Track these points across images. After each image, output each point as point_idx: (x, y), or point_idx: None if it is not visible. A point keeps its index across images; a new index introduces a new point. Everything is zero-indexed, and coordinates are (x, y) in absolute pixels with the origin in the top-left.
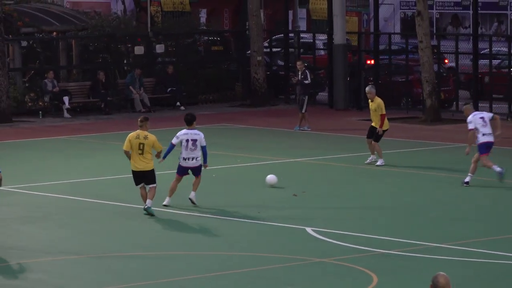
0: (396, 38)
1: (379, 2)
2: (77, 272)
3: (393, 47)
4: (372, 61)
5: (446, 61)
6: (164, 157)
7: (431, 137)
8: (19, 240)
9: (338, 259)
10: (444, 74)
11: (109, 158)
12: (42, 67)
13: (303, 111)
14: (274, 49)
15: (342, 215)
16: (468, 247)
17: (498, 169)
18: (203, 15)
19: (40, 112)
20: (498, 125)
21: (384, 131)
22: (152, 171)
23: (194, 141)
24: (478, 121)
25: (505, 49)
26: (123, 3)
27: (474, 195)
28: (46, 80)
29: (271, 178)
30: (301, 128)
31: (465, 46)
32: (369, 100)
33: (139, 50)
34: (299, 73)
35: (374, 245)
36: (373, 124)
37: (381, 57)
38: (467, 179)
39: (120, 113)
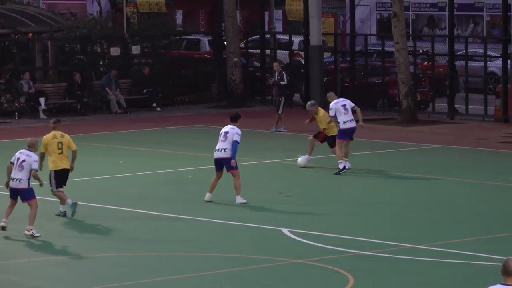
0: (372, 39)
1: (355, 4)
2: (56, 274)
3: (369, 48)
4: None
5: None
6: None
7: (407, 138)
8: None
9: (314, 260)
10: (420, 75)
11: (84, 160)
12: (18, 68)
13: (280, 112)
14: (250, 50)
15: (318, 216)
16: (446, 248)
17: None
18: (179, 16)
19: (16, 113)
20: (359, 116)
21: (332, 136)
22: (68, 171)
23: (226, 132)
24: (340, 108)
25: (481, 51)
26: (99, 4)
27: (453, 196)
28: (22, 81)
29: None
30: (277, 129)
31: (442, 47)
32: (315, 115)
33: (115, 51)
34: (276, 74)
35: (351, 246)
36: (326, 133)
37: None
38: (341, 166)
39: (96, 114)
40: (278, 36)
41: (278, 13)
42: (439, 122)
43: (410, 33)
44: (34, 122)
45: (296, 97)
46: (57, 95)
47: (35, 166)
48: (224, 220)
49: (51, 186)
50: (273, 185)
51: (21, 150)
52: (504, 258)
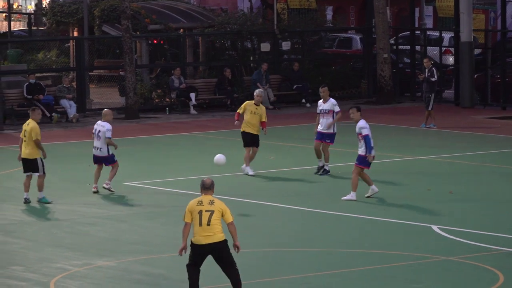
0: None
1: (506, 0)
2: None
3: None
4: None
5: None
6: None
7: None
8: (143, 235)
9: (463, 257)
10: None
11: (234, 155)
12: (169, 64)
13: (429, 108)
14: (400, 47)
15: (468, 213)
16: None
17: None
18: (329, 12)
19: (167, 108)
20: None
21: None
22: (35, 160)
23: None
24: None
25: None
26: (250, 0)
27: None
28: (173, 77)
29: (218, 158)
30: (427, 126)
31: None
32: (254, 103)
33: (265, 47)
34: (426, 71)
35: (501, 244)
36: (249, 130)
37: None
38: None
39: None
40: (428, 33)
41: (428, 9)
42: None
43: None
44: (184, 117)
45: (446, 93)
46: (207, 91)
47: (108, 134)
48: (372, 216)
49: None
50: (421, 181)
51: (98, 122)
52: None
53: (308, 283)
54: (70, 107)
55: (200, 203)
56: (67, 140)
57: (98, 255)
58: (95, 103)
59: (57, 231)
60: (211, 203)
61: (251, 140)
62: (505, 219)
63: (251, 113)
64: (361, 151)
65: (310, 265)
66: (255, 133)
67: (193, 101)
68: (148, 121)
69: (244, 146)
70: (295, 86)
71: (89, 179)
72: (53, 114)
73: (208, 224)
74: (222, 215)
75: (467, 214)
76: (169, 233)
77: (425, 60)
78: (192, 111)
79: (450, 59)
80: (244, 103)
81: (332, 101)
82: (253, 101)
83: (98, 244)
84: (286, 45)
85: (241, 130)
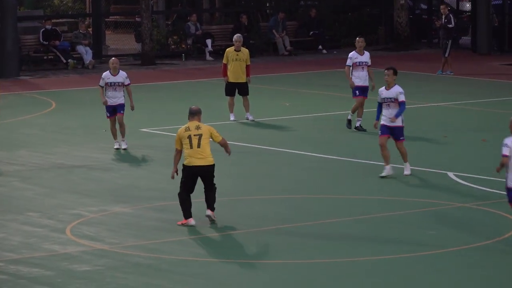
0: None
1: None
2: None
3: None
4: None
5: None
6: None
7: None
8: (159, 182)
9: (479, 204)
10: None
11: (252, 101)
12: (185, 10)
13: (446, 55)
14: None
15: (484, 160)
16: None
17: None
18: None
19: (183, 54)
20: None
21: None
22: None
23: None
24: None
25: None
26: None
27: None
28: (189, 23)
29: None
30: (443, 73)
31: None
32: (235, 50)
33: None
34: (443, 17)
35: None
36: (234, 80)
37: None
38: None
39: (263, 56)
40: None
41: None
42: None
43: None
44: (201, 64)
45: (464, 39)
46: (223, 37)
47: (127, 82)
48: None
49: None
50: (437, 128)
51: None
52: None
53: (326, 229)
54: (86, 53)
55: (188, 129)
56: (83, 86)
57: (114, 202)
58: (111, 49)
59: (74, 177)
60: (198, 128)
61: (235, 90)
62: None
63: (233, 60)
64: (399, 121)
65: (328, 212)
66: (241, 81)
67: (209, 47)
68: (164, 67)
69: (226, 94)
70: (311, 33)
71: (105, 125)
72: (69, 60)
73: (199, 146)
74: (211, 136)
75: (482, 161)
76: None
77: (442, 7)
78: (208, 57)
79: (467, 5)
80: (226, 52)
81: (398, 88)
82: (233, 48)
83: (114, 190)
84: None
85: (228, 81)
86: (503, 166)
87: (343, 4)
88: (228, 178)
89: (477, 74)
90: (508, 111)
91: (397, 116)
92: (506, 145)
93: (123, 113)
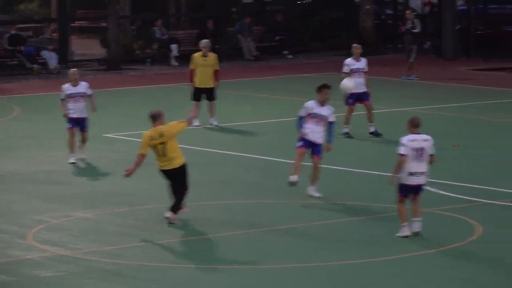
0: None
1: None
2: (190, 217)
3: None
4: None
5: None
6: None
7: None
8: (125, 187)
9: (443, 209)
10: None
11: (217, 106)
12: (151, 15)
13: (411, 60)
14: None
15: (448, 166)
16: None
17: None
18: None
19: (149, 59)
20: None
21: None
22: None
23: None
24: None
25: None
26: None
27: None
28: (154, 28)
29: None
30: (408, 77)
31: None
32: (202, 55)
33: None
34: (408, 22)
35: (481, 195)
36: (202, 85)
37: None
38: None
39: (229, 61)
40: None
41: None
42: None
43: None
44: (166, 69)
45: (428, 45)
46: (189, 42)
47: (89, 92)
48: (354, 168)
49: None
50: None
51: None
52: None
53: (293, 233)
54: (51, 58)
55: (152, 138)
56: (48, 91)
57: (77, 207)
58: (77, 54)
59: (37, 183)
60: (161, 135)
61: (202, 95)
62: (485, 171)
63: (201, 66)
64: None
65: (295, 216)
66: (209, 86)
67: (175, 53)
68: (130, 73)
69: (192, 99)
70: (278, 37)
71: None
72: (34, 65)
73: (164, 154)
74: (178, 133)
75: (446, 166)
76: (151, 185)
77: (407, 12)
78: (174, 62)
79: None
80: (193, 57)
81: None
82: (201, 53)
83: (78, 196)
84: None
85: (195, 86)
86: (400, 165)
87: (308, 8)
88: (192, 184)
89: (443, 79)
90: (474, 115)
91: (331, 141)
92: (403, 144)
93: (87, 132)
